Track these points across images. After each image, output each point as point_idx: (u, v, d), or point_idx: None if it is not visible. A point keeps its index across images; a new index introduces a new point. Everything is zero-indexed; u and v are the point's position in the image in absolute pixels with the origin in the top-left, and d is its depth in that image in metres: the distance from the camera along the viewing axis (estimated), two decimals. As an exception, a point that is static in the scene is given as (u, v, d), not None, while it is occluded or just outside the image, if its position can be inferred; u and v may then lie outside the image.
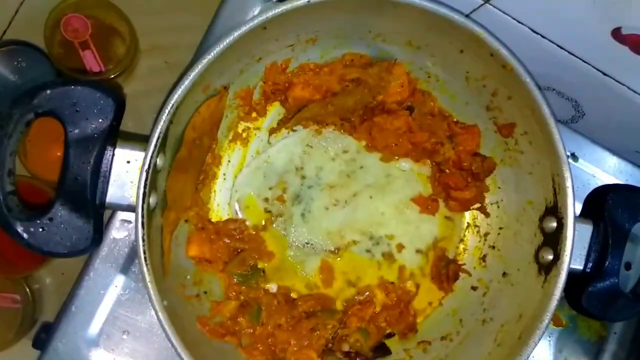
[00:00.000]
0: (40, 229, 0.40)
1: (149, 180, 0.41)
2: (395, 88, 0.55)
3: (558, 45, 0.53)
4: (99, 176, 0.41)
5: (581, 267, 0.50)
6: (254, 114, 0.55)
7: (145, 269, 0.42)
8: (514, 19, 0.52)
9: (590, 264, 0.50)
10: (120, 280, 0.58)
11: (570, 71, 0.55)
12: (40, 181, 0.69)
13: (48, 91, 0.39)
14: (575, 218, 0.48)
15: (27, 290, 0.71)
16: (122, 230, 0.58)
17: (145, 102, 0.77)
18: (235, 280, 0.53)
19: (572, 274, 0.48)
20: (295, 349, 0.53)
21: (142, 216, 0.41)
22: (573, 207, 0.48)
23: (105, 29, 0.77)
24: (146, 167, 0.41)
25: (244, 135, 0.55)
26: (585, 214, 0.51)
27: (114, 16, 0.76)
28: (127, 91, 0.76)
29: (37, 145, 0.71)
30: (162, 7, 0.82)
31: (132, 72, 0.80)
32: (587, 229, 0.50)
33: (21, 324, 0.69)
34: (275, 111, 0.56)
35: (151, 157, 0.42)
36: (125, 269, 0.58)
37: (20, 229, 0.39)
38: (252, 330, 0.52)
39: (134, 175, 0.42)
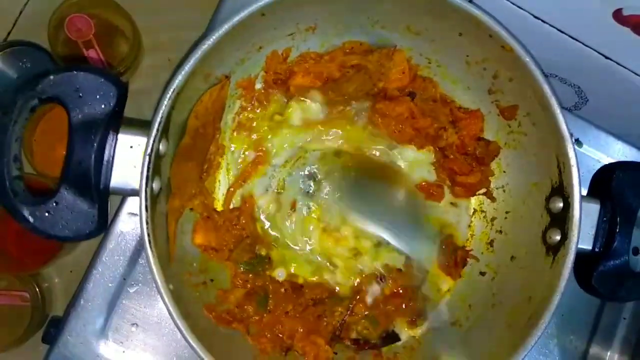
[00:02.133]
0: (46, 213, 0.40)
1: (151, 165, 0.42)
2: (396, 75, 0.55)
3: (559, 30, 0.53)
4: (103, 161, 0.41)
5: (590, 247, 0.50)
6: (256, 104, 0.55)
7: (149, 252, 0.42)
8: (514, 4, 0.52)
9: (599, 244, 0.50)
10: (128, 273, 0.58)
11: (572, 56, 0.55)
12: (47, 179, 0.69)
13: (51, 77, 0.39)
14: (582, 196, 0.48)
15: (36, 288, 0.71)
16: (129, 223, 0.59)
17: (148, 99, 0.77)
18: (241, 268, 0.53)
19: (581, 254, 0.48)
20: (303, 336, 0.53)
21: (146, 200, 0.41)
22: (579, 185, 0.48)
23: (108, 28, 0.77)
24: (149, 151, 0.42)
25: (247, 125, 0.56)
26: (592, 193, 0.51)
27: (117, 15, 0.77)
28: (130, 89, 0.77)
29: (43, 144, 0.72)
30: (163, 4, 0.83)
31: (135, 70, 0.81)
32: (594, 208, 0.50)
33: (31, 322, 0.70)
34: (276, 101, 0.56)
35: (153, 141, 0.42)
36: (133, 262, 0.58)
37: (26, 213, 0.39)
38: (259, 318, 0.52)
39: (137, 160, 0.42)
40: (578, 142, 0.65)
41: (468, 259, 0.58)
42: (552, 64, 0.58)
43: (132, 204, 0.59)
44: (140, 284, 0.59)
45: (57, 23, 0.73)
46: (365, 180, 0.58)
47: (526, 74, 0.48)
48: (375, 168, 0.58)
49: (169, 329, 0.58)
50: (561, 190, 0.49)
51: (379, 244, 0.58)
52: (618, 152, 0.67)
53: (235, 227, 0.54)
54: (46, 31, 0.73)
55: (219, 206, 0.55)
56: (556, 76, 0.61)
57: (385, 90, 0.55)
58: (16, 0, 0.82)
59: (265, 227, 0.56)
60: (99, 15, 0.76)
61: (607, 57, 0.54)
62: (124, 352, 0.58)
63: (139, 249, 0.59)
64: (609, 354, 0.65)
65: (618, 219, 0.49)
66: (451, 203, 0.59)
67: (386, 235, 0.58)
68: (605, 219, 0.50)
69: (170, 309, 0.42)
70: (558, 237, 0.49)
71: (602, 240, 0.50)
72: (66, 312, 0.58)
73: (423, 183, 0.59)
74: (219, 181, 0.55)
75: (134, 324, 0.58)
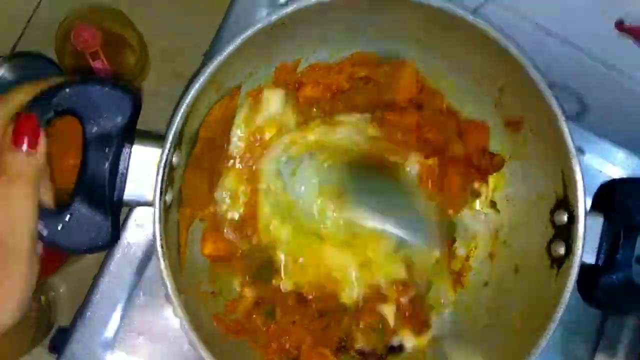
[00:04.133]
0: (61, 226, 0.40)
1: (166, 177, 0.42)
2: (404, 86, 0.56)
3: (561, 40, 0.54)
4: (117, 173, 0.42)
5: (593, 260, 0.50)
6: (265, 114, 0.55)
7: (162, 263, 0.42)
8: (517, 14, 0.52)
9: (602, 257, 0.50)
10: (135, 283, 0.59)
11: (574, 66, 0.56)
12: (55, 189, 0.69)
13: (67, 89, 0.40)
14: (587, 211, 0.48)
15: (43, 297, 0.71)
16: (136, 233, 0.59)
17: (155, 109, 0.77)
18: (248, 277, 0.54)
19: (584, 267, 0.48)
20: (310, 346, 0.53)
21: (160, 211, 0.42)
22: (584, 199, 0.48)
23: (115, 39, 0.78)
24: (163, 163, 0.42)
25: (256, 135, 0.56)
26: (596, 207, 0.52)
27: (123, 26, 0.78)
28: (137, 99, 0.77)
29: (52, 154, 0.72)
30: (169, 15, 0.84)
31: (142, 80, 0.81)
32: (598, 222, 0.50)
33: (37, 331, 0.70)
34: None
35: (167, 153, 0.42)
36: (139, 272, 0.59)
37: (40, 226, 0.40)
38: (266, 328, 0.53)
39: (151, 172, 0.42)
40: (580, 150, 0.66)
41: (469, 271, 0.59)
42: (554, 73, 0.59)
43: (139, 214, 0.59)
44: (147, 295, 0.59)
45: (64, 34, 0.74)
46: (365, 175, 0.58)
47: (533, 88, 0.49)
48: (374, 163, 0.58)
49: (175, 339, 0.59)
50: (566, 203, 0.50)
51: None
52: (621, 160, 0.67)
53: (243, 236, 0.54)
54: (53, 42, 0.74)
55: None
56: (558, 85, 0.62)
57: (393, 102, 0.56)
58: (23, 11, 0.83)
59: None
60: (105, 27, 0.76)
61: (609, 67, 0.55)
62: (130, 362, 0.58)
63: (146, 259, 0.59)
64: (613, 362, 0.66)
65: (622, 232, 0.50)
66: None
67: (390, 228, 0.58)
68: (609, 232, 0.50)
69: (183, 319, 0.42)
70: (562, 250, 0.50)
71: (605, 254, 0.50)
72: (73, 322, 0.58)
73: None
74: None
75: (140, 334, 0.58)
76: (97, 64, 0.76)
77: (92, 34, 0.75)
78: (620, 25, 0.49)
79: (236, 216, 0.55)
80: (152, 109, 0.78)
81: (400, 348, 0.57)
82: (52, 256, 0.69)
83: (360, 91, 0.55)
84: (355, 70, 0.54)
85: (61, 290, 0.75)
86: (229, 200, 0.55)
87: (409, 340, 0.57)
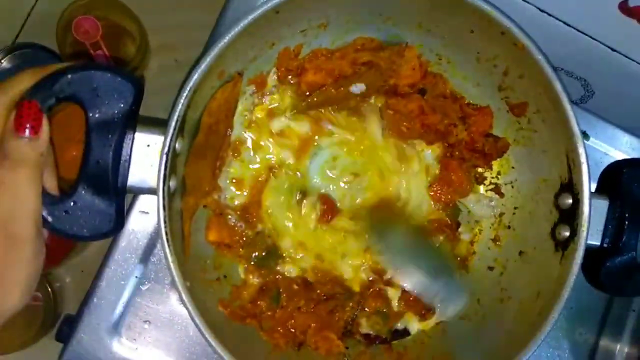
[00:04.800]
0: (64, 212, 0.40)
1: (169, 163, 0.42)
2: (407, 71, 0.55)
3: (565, 23, 0.53)
4: (120, 160, 0.41)
5: (598, 243, 0.50)
6: (268, 100, 0.55)
7: (167, 250, 0.42)
8: (519, -2, 0.52)
9: (608, 239, 0.50)
10: (140, 270, 0.59)
11: (578, 49, 0.55)
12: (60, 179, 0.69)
13: (69, 76, 0.39)
14: (591, 193, 0.48)
15: (48, 287, 0.72)
16: (140, 221, 0.59)
17: (156, 99, 0.77)
18: (252, 263, 0.54)
19: (589, 250, 0.48)
20: (315, 331, 0.53)
21: (164, 198, 0.42)
22: (588, 182, 0.48)
23: (115, 29, 0.78)
24: (166, 150, 0.42)
25: (259, 122, 0.56)
26: (601, 190, 0.51)
27: (124, 16, 0.77)
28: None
29: (56, 145, 0.72)
30: (170, 5, 0.84)
31: (142, 70, 0.81)
32: (603, 204, 0.50)
33: (43, 322, 0.70)
34: (288, 97, 0.57)
35: (170, 140, 0.42)
36: (144, 259, 0.59)
37: (44, 213, 0.40)
38: (272, 313, 0.53)
39: (154, 159, 0.42)
40: (585, 135, 0.66)
41: (473, 255, 0.59)
42: (559, 57, 0.58)
43: (144, 202, 0.59)
44: (152, 282, 0.59)
45: (64, 25, 0.74)
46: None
47: (537, 71, 0.48)
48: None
49: (181, 326, 0.59)
50: (570, 187, 0.50)
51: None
52: (625, 144, 0.67)
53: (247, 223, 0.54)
54: (54, 33, 0.74)
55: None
56: (562, 69, 0.62)
57: (396, 87, 0.56)
58: (24, 2, 0.82)
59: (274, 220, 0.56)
60: (106, 17, 0.76)
61: (613, 50, 0.54)
62: (136, 349, 0.58)
63: (150, 246, 0.59)
64: (618, 346, 0.66)
65: (627, 215, 0.50)
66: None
67: None
68: (614, 215, 0.50)
69: (188, 306, 0.43)
70: (567, 233, 0.50)
71: (610, 236, 0.50)
72: (79, 310, 0.59)
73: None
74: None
75: (146, 321, 0.59)
76: (98, 54, 0.76)
77: (93, 24, 0.75)
78: (624, 7, 0.48)
79: (240, 202, 0.55)
80: (155, 100, 0.78)
81: (405, 332, 0.57)
82: (57, 246, 0.69)
83: (363, 77, 0.54)
84: (358, 56, 0.54)
85: (67, 281, 0.76)
86: (234, 187, 0.55)
87: (413, 325, 0.57)
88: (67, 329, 0.58)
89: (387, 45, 0.55)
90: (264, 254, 0.55)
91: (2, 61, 0.78)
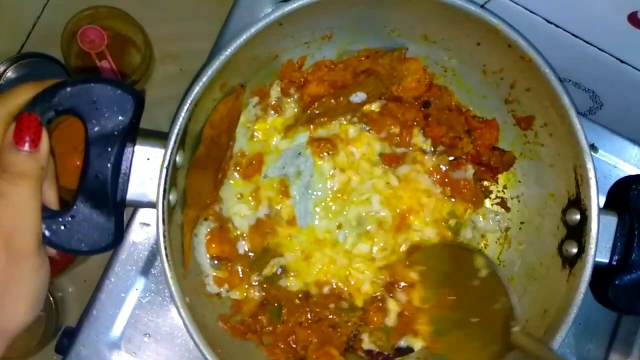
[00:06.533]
0: (63, 227, 0.40)
1: (169, 177, 0.41)
2: (412, 83, 0.55)
3: (573, 35, 0.52)
4: (120, 173, 0.41)
5: (607, 260, 0.49)
6: (270, 112, 0.55)
7: (166, 265, 0.41)
8: (527, 9, 0.51)
9: (616, 257, 0.49)
10: (140, 283, 0.58)
11: (586, 61, 0.54)
12: (60, 189, 0.69)
13: (68, 89, 0.39)
14: (599, 210, 0.47)
15: (50, 298, 0.71)
16: (141, 233, 0.59)
17: (161, 109, 0.78)
18: (254, 278, 0.53)
19: (597, 267, 0.47)
20: (317, 347, 0.52)
21: (163, 212, 0.41)
22: (597, 198, 0.47)
23: (120, 39, 0.78)
24: (166, 163, 0.41)
25: (262, 133, 0.55)
26: (610, 206, 0.50)
27: (129, 26, 0.77)
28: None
29: (56, 155, 0.72)
30: (174, 15, 0.84)
31: (147, 80, 0.81)
32: (611, 221, 0.49)
33: (44, 332, 0.70)
34: (291, 109, 0.56)
35: (171, 153, 0.42)
36: (145, 272, 0.58)
37: (42, 227, 0.39)
38: (272, 328, 0.52)
39: (154, 172, 0.42)
40: (593, 147, 0.65)
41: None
42: (567, 69, 0.58)
43: (144, 214, 0.59)
44: (152, 294, 0.59)
45: (70, 35, 0.74)
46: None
47: (544, 84, 0.48)
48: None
49: (181, 339, 0.58)
50: (578, 202, 0.49)
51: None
52: (634, 157, 0.66)
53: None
54: (59, 43, 0.74)
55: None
56: (570, 81, 0.61)
57: (400, 99, 0.55)
58: (30, 12, 0.83)
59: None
60: (111, 27, 0.76)
61: (622, 61, 0.53)
62: (136, 362, 0.58)
63: (151, 259, 0.59)
64: (628, 363, 0.65)
65: (636, 232, 0.49)
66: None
67: None
68: (622, 231, 0.49)
69: (187, 322, 0.42)
70: (575, 250, 0.49)
71: (619, 254, 0.49)
72: (79, 322, 0.58)
73: None
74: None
75: (146, 334, 0.58)
76: (103, 64, 0.76)
77: (98, 34, 0.75)
78: (633, 18, 0.47)
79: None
80: (159, 110, 0.78)
81: (408, 349, 0.56)
82: (60, 256, 0.69)
83: (363, 84, 0.54)
84: (357, 65, 0.54)
85: (70, 290, 0.75)
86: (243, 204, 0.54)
87: (417, 342, 0.56)
88: (66, 342, 0.58)
89: (387, 51, 0.54)
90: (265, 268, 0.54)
91: (8, 71, 0.78)
